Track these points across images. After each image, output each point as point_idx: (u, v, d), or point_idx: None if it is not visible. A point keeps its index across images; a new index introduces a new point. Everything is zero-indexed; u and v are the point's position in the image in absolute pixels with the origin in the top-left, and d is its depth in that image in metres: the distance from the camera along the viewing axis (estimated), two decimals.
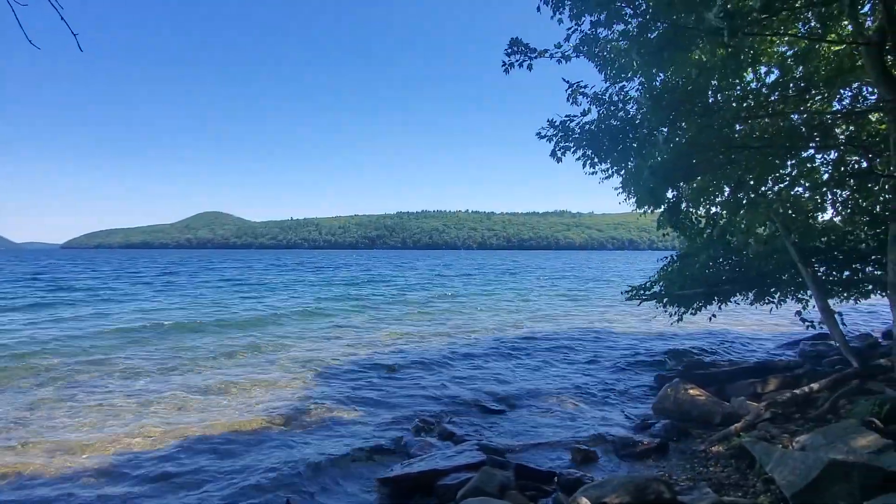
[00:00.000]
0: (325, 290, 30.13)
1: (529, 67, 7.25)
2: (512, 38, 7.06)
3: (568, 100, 7.28)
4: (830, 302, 8.16)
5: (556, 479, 5.22)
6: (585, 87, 7.23)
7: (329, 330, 15.38)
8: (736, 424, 6.26)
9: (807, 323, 8.33)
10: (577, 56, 7.16)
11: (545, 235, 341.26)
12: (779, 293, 9.40)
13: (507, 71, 7.27)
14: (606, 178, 7.85)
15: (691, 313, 9.77)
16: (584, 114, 7.27)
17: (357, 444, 6.35)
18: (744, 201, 7.81)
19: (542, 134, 7.43)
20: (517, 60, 7.15)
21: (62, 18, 2.94)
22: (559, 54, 7.05)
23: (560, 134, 7.31)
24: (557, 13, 6.55)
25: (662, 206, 8.18)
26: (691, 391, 7.37)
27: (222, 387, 8.84)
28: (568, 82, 7.22)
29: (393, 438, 6.61)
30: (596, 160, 7.40)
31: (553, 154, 7.45)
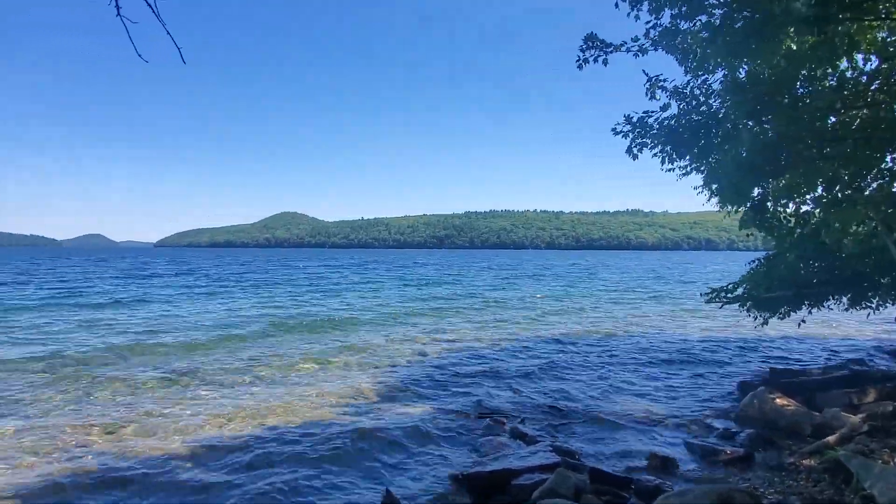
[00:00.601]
0: (406, 289, 30.46)
1: (605, 62, 7.13)
2: (587, 34, 7.00)
3: (646, 94, 7.10)
4: None
5: (632, 485, 5.09)
6: (664, 80, 7.01)
7: (408, 329, 15.69)
8: (830, 437, 5.87)
9: None
10: (655, 49, 6.96)
11: (616, 235, 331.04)
12: (877, 296, 8.68)
13: (580, 67, 7.18)
14: (685, 174, 7.55)
15: (778, 317, 9.22)
16: (663, 108, 7.06)
17: (429, 438, 6.49)
18: (839, 198, 7.27)
19: (618, 130, 7.28)
20: (592, 56, 7.05)
21: (168, 34, 3.23)
22: (636, 48, 6.88)
23: (637, 130, 7.13)
24: (635, 9, 6.41)
25: (747, 205, 7.78)
26: (778, 400, 6.97)
27: (310, 379, 9.28)
28: (647, 76, 7.04)
29: (464, 435, 6.70)
30: (675, 156, 7.16)
31: (629, 151, 7.28)
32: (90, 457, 5.87)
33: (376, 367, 10.44)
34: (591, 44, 7.02)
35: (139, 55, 3.07)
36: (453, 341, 13.50)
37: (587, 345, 13.12)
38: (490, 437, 6.60)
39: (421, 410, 7.68)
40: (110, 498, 4.97)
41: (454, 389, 8.88)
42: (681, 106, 7.15)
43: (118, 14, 2.88)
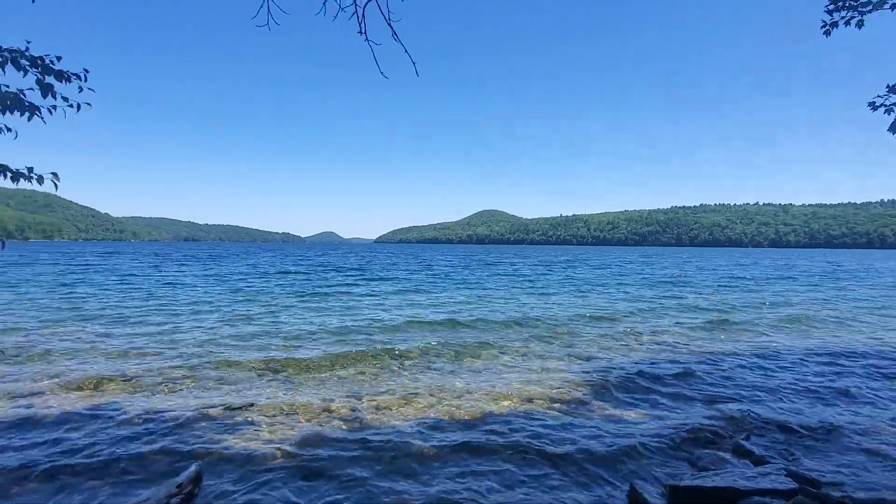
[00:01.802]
0: (625, 289, 29.16)
1: (859, 25, 5.99)
2: None
3: None
4: None
5: None
6: None
7: (622, 329, 15.21)
8: None
9: None
10: None
11: (864, 231, 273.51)
12: None
13: (827, 33, 6.14)
14: None
15: None
16: None
17: (642, 443, 6.21)
18: None
19: (879, 104, 6.04)
20: (843, 18, 5.97)
21: (406, 51, 3.64)
22: None
23: None
24: None
25: None
26: None
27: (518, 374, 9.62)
28: None
29: (678, 444, 6.26)
30: None
31: (893, 128, 5.99)
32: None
33: (583, 363, 10.32)
34: (842, 3, 5.95)
35: (381, 73, 3.53)
36: (667, 343, 12.60)
37: (851, 358, 11.11)
38: (709, 451, 6.10)
39: (633, 415, 7.39)
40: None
41: (664, 393, 8.34)
42: None
43: (366, 39, 3.35)
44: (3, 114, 3.00)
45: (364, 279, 33.61)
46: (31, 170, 3.27)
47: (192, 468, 4.73)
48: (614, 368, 10.04)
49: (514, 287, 28.88)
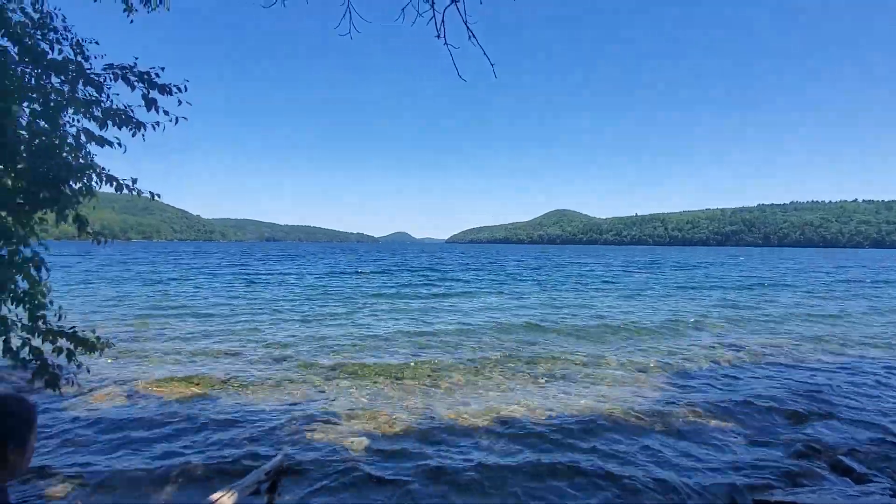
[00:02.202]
0: (721, 293, 27.34)
1: None
2: None
3: None
4: None
5: None
6: None
7: (704, 336, 14.49)
8: None
9: None
10: None
11: None
12: None
13: None
14: None
15: None
16: None
17: (730, 452, 5.87)
18: None
19: None
20: None
21: (485, 54, 3.60)
22: None
23: None
24: None
25: None
26: None
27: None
28: None
29: (771, 457, 5.86)
30: None
31: None
32: None
33: (680, 374, 9.87)
34: None
35: (459, 75, 3.53)
36: (769, 353, 11.71)
37: None
38: (804, 466, 5.71)
39: (721, 423, 7.01)
40: None
41: (755, 405, 7.82)
42: None
43: (445, 43, 3.35)
44: (119, 128, 3.26)
45: (439, 280, 33.97)
46: (134, 181, 3.56)
47: (278, 457, 4.97)
48: (712, 377, 9.54)
49: (593, 289, 28.13)
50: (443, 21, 3.47)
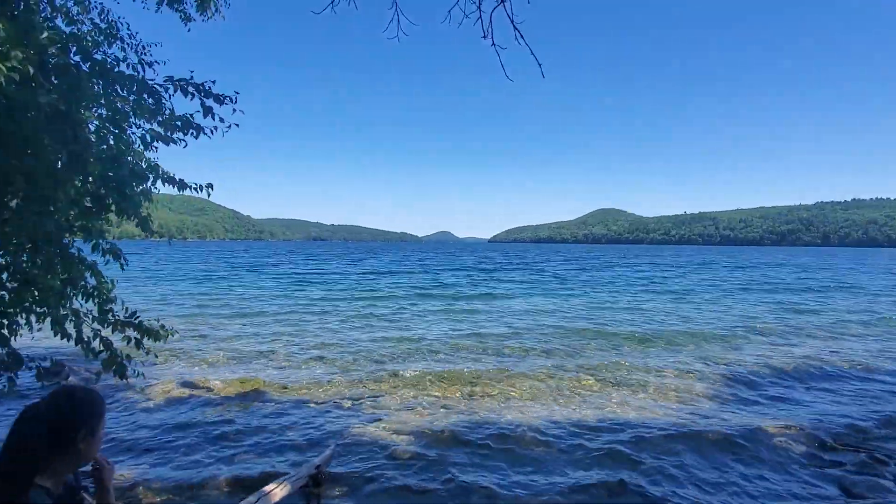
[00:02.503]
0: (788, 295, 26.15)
1: None
2: None
3: None
4: None
5: None
6: None
7: (761, 340, 13.95)
8: None
9: None
10: None
11: None
12: None
13: None
14: None
15: None
16: None
17: (788, 459, 5.75)
18: None
19: None
20: None
21: (532, 54, 3.58)
22: None
23: None
24: None
25: None
26: None
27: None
28: None
29: (827, 466, 5.71)
30: None
31: None
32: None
33: (718, 380, 9.55)
34: None
35: (506, 76, 3.53)
36: (838, 362, 11.04)
37: None
38: (865, 477, 5.47)
39: (774, 428, 6.70)
40: None
41: (806, 408, 7.53)
42: None
43: (493, 44, 3.35)
44: (184, 133, 3.53)
45: (485, 280, 33.95)
46: (194, 184, 3.78)
47: (328, 451, 5.08)
48: (774, 386, 9.21)
49: (641, 291, 27.39)
50: (490, 22, 3.48)
